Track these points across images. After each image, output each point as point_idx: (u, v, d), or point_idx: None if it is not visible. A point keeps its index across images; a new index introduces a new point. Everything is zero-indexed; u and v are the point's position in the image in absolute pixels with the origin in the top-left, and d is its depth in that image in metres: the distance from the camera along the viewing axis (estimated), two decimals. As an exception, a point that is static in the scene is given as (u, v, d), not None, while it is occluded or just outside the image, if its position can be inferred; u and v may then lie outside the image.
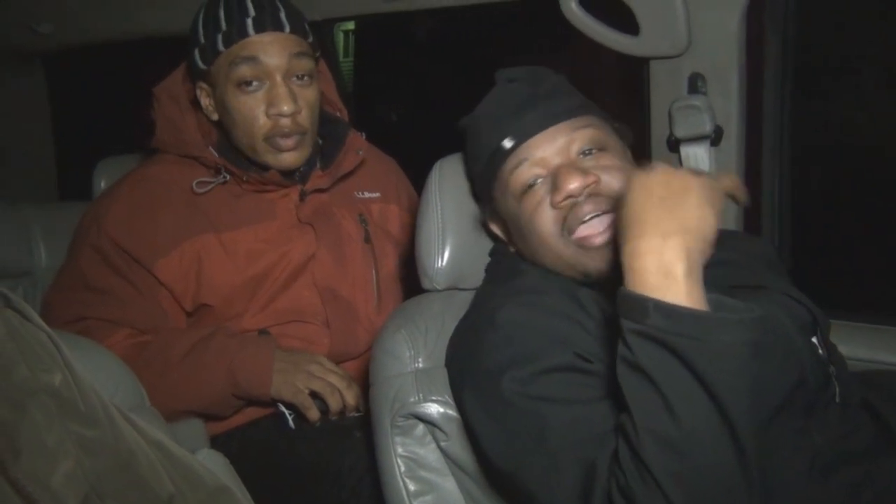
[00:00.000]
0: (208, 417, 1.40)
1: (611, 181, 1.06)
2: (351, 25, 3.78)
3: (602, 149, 1.10)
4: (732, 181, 0.96)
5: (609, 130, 1.13)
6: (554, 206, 1.06)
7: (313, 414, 1.37)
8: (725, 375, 0.79)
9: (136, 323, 1.40)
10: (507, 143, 1.10)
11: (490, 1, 1.69)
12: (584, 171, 1.06)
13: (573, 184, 1.04)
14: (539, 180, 1.09)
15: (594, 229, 1.05)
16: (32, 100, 2.57)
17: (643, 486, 0.81)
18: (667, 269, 0.83)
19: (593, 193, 1.05)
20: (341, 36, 4.04)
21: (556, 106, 1.11)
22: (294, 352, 1.42)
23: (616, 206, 0.94)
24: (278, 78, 1.42)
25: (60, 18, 2.22)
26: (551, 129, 1.09)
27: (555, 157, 1.08)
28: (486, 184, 1.16)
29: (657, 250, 0.84)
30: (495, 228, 1.21)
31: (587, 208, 1.05)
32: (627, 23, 1.53)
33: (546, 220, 1.08)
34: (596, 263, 1.05)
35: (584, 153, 1.09)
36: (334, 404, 1.37)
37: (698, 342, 0.79)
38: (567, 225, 1.06)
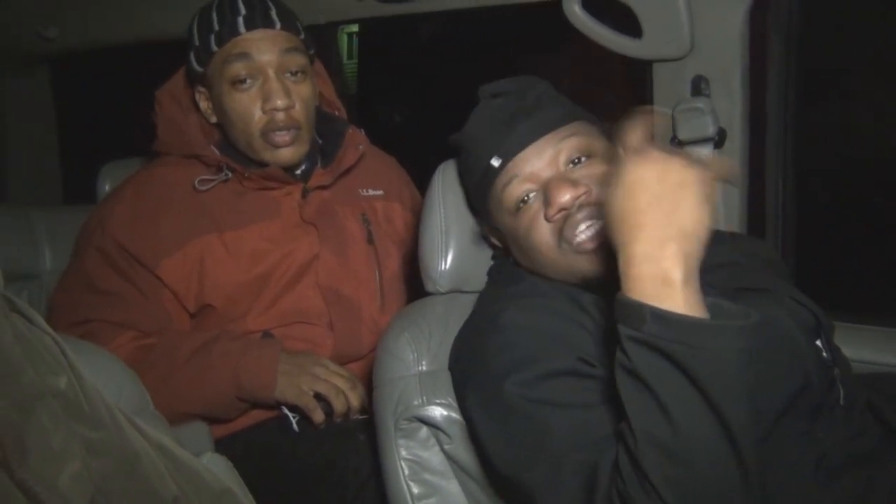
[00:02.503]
0: (212, 420, 1.40)
1: (602, 191, 1.02)
2: (355, 28, 3.79)
3: (590, 156, 1.09)
4: (726, 165, 0.93)
5: (597, 134, 1.13)
6: (548, 219, 1.07)
7: (318, 416, 1.37)
8: (723, 382, 0.79)
9: (140, 325, 1.41)
10: (495, 162, 1.10)
11: (492, 4, 1.69)
12: (575, 183, 1.05)
13: (564, 196, 1.04)
14: (532, 195, 1.09)
15: (587, 235, 1.05)
16: (38, 103, 2.58)
17: (642, 492, 0.81)
18: (664, 277, 0.81)
19: (584, 204, 1.05)
20: (345, 38, 4.05)
21: (541, 118, 1.11)
22: (298, 354, 1.42)
23: (606, 199, 0.89)
24: (271, 73, 1.44)
25: (66, 23, 2.23)
26: (538, 143, 1.09)
27: (544, 170, 1.08)
28: (480, 199, 1.17)
29: (654, 257, 0.82)
30: (494, 240, 1.22)
31: (580, 217, 1.04)
32: (630, 25, 1.53)
33: (543, 233, 1.08)
34: (592, 266, 1.05)
35: (574, 162, 1.09)
36: (339, 406, 1.37)
37: (695, 350, 0.79)
38: (564, 236, 1.06)
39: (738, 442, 0.79)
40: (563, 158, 1.09)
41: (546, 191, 1.06)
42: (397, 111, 3.87)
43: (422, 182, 1.46)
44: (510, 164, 1.10)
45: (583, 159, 1.09)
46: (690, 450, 0.79)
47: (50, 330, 0.59)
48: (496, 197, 1.12)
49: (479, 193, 1.16)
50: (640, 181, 0.84)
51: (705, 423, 0.79)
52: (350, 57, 4.12)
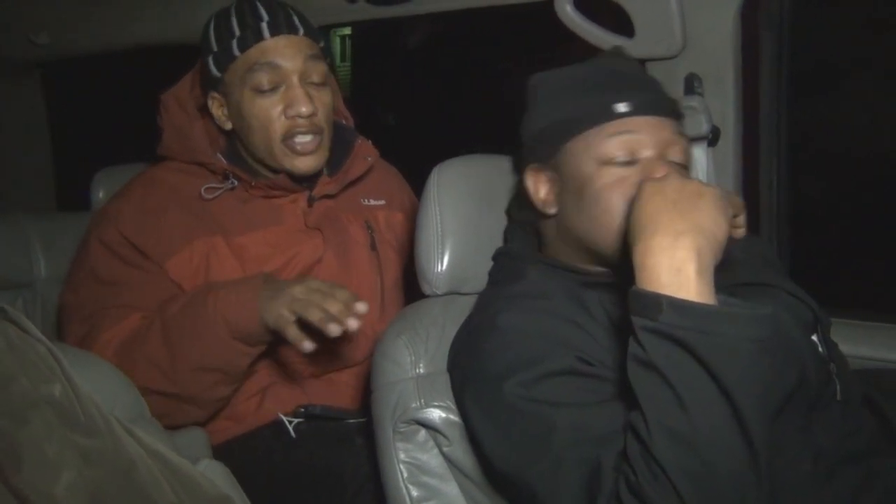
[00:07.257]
0: (234, 378, 1.35)
1: None
2: (347, 30, 3.79)
3: (685, 167, 1.08)
4: (739, 204, 0.95)
5: None
6: None
7: (293, 335, 1.24)
8: (737, 371, 0.80)
9: (149, 306, 1.36)
10: (622, 107, 1.06)
11: (484, 5, 1.69)
12: None
13: None
14: (629, 159, 1.05)
15: None
16: (30, 110, 2.57)
17: (655, 482, 0.81)
18: (678, 267, 0.84)
19: None
20: (338, 41, 4.05)
21: (670, 103, 1.10)
22: (285, 280, 1.36)
23: (629, 210, 0.94)
24: (295, 80, 1.42)
25: (57, 29, 2.23)
26: (663, 119, 1.07)
27: (651, 147, 1.05)
28: (559, 135, 1.10)
29: (669, 248, 0.85)
30: (534, 183, 1.14)
31: None
32: (622, 25, 1.53)
33: (619, 201, 1.03)
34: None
35: (673, 162, 1.07)
36: (313, 317, 1.23)
37: (712, 337, 0.80)
38: None
39: (750, 431, 0.80)
40: (672, 151, 1.07)
41: (648, 169, 1.03)
42: (391, 114, 3.88)
43: (416, 184, 1.46)
44: (633, 120, 1.05)
45: (679, 166, 1.07)
46: (704, 439, 0.80)
47: (43, 338, 0.59)
48: (592, 140, 1.06)
49: (564, 129, 1.09)
50: (658, 191, 0.91)
51: (719, 411, 0.80)
52: (343, 60, 4.13)
